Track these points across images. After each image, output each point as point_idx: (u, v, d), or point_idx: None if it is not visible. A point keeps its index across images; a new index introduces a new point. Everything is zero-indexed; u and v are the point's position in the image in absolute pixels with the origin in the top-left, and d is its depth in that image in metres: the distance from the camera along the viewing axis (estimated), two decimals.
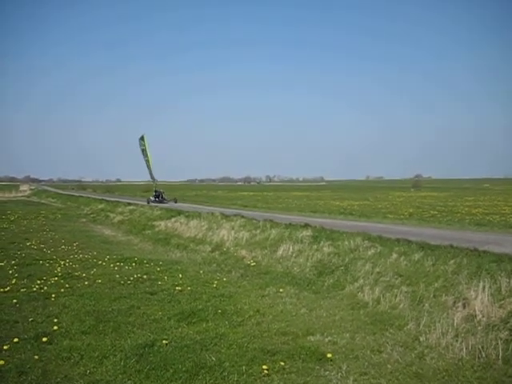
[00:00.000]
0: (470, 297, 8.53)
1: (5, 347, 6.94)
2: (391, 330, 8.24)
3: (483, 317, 7.92)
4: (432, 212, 26.88)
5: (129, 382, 6.07)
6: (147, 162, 41.73)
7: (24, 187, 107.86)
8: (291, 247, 14.65)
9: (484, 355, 6.86)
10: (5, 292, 10.40)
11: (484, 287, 8.53)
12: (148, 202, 37.99)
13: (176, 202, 38.82)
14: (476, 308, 8.15)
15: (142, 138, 41.36)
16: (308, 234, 15.53)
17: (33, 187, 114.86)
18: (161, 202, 38.82)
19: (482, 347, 7.00)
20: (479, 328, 7.60)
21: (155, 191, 40.77)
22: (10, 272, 12.64)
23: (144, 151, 41.50)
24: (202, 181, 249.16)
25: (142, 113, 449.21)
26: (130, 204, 35.85)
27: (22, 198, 72.43)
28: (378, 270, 11.27)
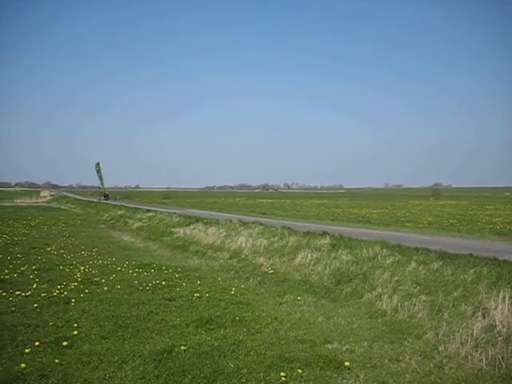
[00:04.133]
0: (490, 307, 8.43)
1: (26, 350, 7.06)
2: (410, 339, 8.18)
3: (503, 327, 7.83)
4: (451, 221, 26.66)
5: None
6: (100, 177, 69.36)
7: (44, 193, 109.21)
8: (309, 255, 14.62)
9: (504, 366, 6.79)
10: (26, 296, 10.56)
11: (504, 297, 8.43)
12: (99, 200, 63.24)
13: (116, 199, 65.97)
14: (496, 318, 8.05)
15: (97, 164, 68.33)
16: (326, 242, 15.49)
17: (53, 193, 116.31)
18: (107, 200, 63.88)
19: (502, 358, 6.92)
20: (499, 338, 7.51)
21: (104, 194, 69.23)
22: (31, 277, 12.84)
23: (98, 171, 68.26)
24: (220, 188, 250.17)
25: (156, 117, 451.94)
26: (149, 211, 36.08)
27: (43, 203, 73.41)
28: (396, 278, 11.20)
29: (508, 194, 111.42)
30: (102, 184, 71.34)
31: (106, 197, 67.36)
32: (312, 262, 14.18)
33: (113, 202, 57.11)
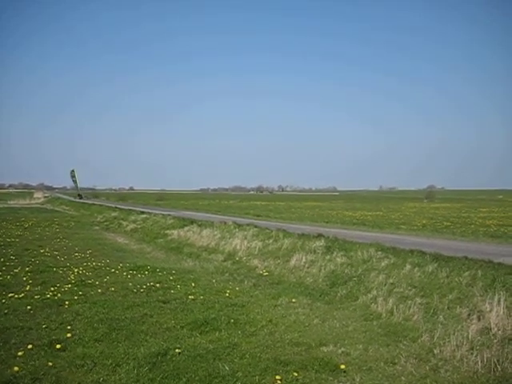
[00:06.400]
0: (485, 309, 8.45)
1: (19, 353, 7.00)
2: (405, 342, 8.18)
3: (499, 330, 7.84)
4: (445, 223, 26.72)
5: None
6: (75, 182, 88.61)
7: (38, 194, 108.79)
8: (304, 257, 14.61)
9: (500, 369, 6.78)
10: (19, 298, 10.47)
11: (499, 300, 8.45)
12: (74, 198, 78.71)
13: (88, 198, 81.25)
14: (491, 321, 8.07)
15: (72, 171, 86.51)
16: (321, 244, 15.48)
17: (47, 194, 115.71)
18: (81, 199, 77.29)
19: (498, 361, 6.92)
20: (495, 341, 7.52)
21: (78, 194, 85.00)
22: (24, 279, 12.74)
23: (73, 177, 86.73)
24: (214, 190, 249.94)
25: (152, 119, 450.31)
26: (143, 212, 35.97)
27: (36, 205, 72.95)
28: (391, 281, 11.20)
29: (501, 196, 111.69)
30: (77, 187, 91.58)
31: (80, 196, 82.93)
32: (307, 265, 14.17)
33: (85, 200, 71.55)
